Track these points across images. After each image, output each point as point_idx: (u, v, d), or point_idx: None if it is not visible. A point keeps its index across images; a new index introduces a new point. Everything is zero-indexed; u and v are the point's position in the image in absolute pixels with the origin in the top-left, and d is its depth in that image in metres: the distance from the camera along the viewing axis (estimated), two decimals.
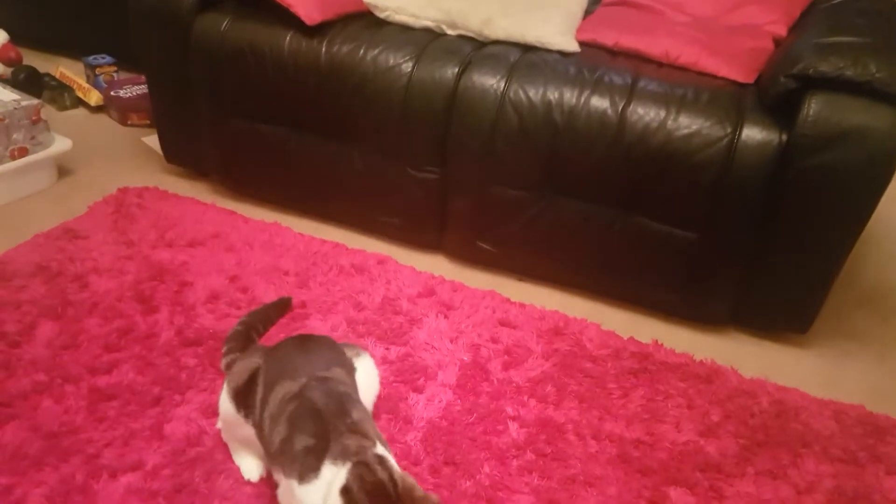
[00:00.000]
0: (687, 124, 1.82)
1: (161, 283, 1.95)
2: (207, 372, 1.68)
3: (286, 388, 1.30)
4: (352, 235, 2.28)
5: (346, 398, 1.31)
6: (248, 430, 1.37)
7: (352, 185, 2.22)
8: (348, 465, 1.18)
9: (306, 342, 1.44)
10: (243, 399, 1.37)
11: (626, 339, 1.94)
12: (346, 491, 1.15)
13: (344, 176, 2.21)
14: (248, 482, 1.45)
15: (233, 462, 1.48)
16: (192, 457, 1.48)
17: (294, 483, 1.21)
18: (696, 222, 1.90)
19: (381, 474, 1.18)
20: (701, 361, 1.89)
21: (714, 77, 2.01)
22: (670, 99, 1.87)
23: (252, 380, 1.36)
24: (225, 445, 1.51)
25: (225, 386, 1.41)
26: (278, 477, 1.32)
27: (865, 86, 1.69)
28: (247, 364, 1.39)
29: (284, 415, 1.27)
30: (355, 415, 1.28)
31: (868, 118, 1.69)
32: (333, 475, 1.18)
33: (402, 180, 2.14)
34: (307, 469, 1.20)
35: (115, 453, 1.47)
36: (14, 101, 2.27)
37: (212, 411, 1.57)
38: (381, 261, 2.14)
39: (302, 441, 1.22)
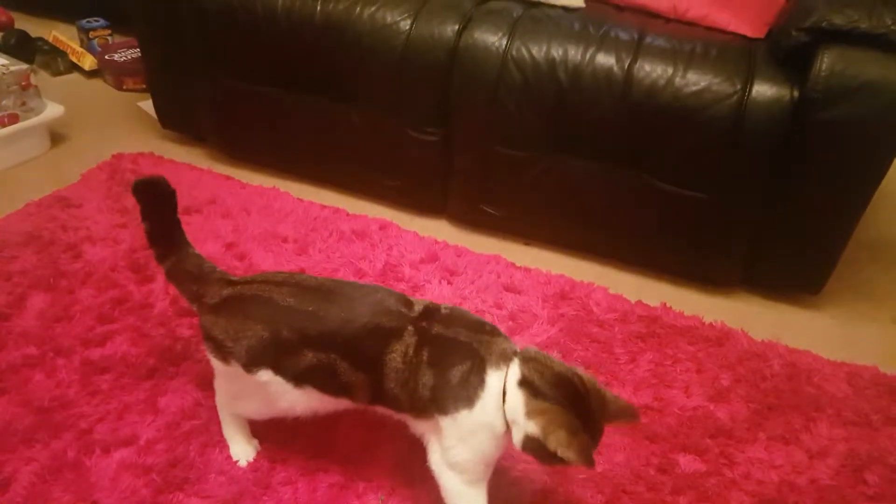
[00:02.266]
0: (695, 81, 1.77)
1: None
2: (203, 343, 1.64)
3: (400, 346, 1.20)
4: (352, 200, 2.23)
5: (463, 313, 1.28)
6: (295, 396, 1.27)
7: (352, 148, 2.16)
8: (515, 361, 1.17)
9: (341, 297, 1.28)
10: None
11: (633, 302, 1.90)
12: (525, 383, 1.14)
13: (343, 139, 2.15)
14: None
15: None
16: (186, 430, 1.44)
17: (463, 414, 1.16)
18: (705, 182, 1.85)
19: (559, 366, 1.17)
20: (710, 324, 1.85)
21: (723, 32, 1.97)
22: (678, 55, 1.82)
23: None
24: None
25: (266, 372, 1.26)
26: (430, 430, 1.24)
27: (881, 38, 1.64)
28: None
29: (422, 364, 1.19)
30: (487, 324, 1.25)
31: (883, 72, 1.64)
32: (500, 379, 1.16)
33: (403, 142, 2.08)
34: (473, 389, 1.16)
35: (108, 428, 1.44)
36: (2, 66, 2.21)
37: (207, 383, 1.53)
38: (383, 226, 2.10)
39: (457, 372, 1.17)
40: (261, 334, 1.23)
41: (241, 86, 2.19)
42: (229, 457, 1.41)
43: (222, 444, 1.43)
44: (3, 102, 2.19)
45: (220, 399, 1.43)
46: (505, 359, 1.18)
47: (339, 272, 1.90)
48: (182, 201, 2.05)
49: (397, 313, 1.24)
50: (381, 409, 1.27)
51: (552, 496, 1.39)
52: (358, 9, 1.97)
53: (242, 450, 1.42)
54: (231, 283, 1.32)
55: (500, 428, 1.17)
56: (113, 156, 2.29)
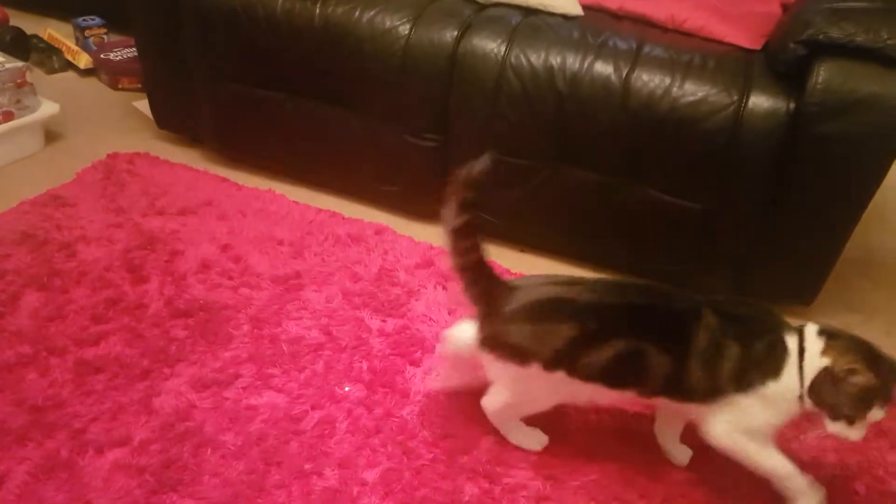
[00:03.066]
0: (693, 91, 1.78)
1: (151, 252, 1.90)
2: (198, 344, 1.64)
3: (703, 325, 1.30)
4: (349, 204, 2.23)
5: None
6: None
7: (349, 152, 2.16)
8: (809, 325, 1.29)
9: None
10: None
11: None
12: (824, 331, 1.27)
13: (341, 143, 2.15)
14: (238, 458, 1.41)
15: (222, 436, 1.44)
16: (180, 431, 1.44)
17: (770, 385, 1.27)
18: (701, 192, 1.86)
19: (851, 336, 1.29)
20: None
21: (720, 43, 1.97)
22: (676, 65, 1.82)
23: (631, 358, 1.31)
24: (215, 419, 1.47)
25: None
26: (713, 412, 1.33)
27: (877, 52, 1.65)
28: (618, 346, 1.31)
29: (728, 340, 1.29)
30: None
31: (880, 86, 1.65)
32: (795, 342, 1.28)
33: (401, 148, 2.08)
34: (779, 359, 1.27)
35: (101, 428, 1.43)
36: None
37: (202, 385, 1.53)
38: (379, 230, 2.10)
39: (762, 344, 1.29)
40: (568, 333, 1.30)
41: (239, 88, 2.18)
42: (223, 458, 1.40)
43: (216, 446, 1.42)
44: None
45: (502, 412, 1.47)
46: (795, 328, 1.30)
47: (335, 276, 1.90)
48: (177, 202, 2.10)
49: (689, 298, 1.34)
50: (659, 401, 1.37)
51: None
52: (357, 13, 1.97)
53: (536, 438, 1.50)
54: (513, 288, 1.37)
55: (795, 390, 1.27)
56: (108, 155, 2.28)
